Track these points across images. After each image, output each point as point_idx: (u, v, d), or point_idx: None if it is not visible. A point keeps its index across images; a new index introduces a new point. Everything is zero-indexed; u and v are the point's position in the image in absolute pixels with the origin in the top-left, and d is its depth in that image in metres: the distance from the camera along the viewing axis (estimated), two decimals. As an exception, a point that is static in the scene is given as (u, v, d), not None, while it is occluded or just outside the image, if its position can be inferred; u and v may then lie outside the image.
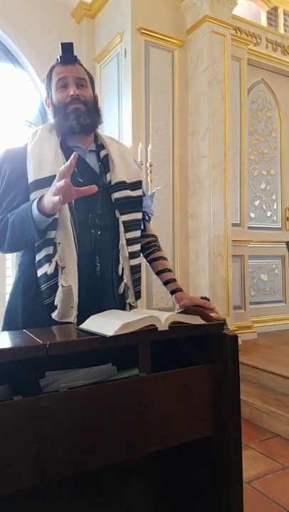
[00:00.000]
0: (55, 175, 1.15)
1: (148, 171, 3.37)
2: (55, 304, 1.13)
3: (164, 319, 0.91)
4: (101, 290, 1.21)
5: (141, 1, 3.63)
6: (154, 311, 1.09)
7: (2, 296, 3.74)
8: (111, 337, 0.83)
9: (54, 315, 1.13)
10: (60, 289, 1.12)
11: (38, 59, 4.02)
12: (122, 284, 1.25)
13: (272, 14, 5.14)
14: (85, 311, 1.10)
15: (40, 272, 1.15)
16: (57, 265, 1.13)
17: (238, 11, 4.18)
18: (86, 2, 4.11)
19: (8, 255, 3.85)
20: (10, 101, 4.05)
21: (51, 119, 1.31)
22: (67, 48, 1.26)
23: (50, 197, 1.05)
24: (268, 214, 4.72)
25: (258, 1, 4.77)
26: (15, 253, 1.42)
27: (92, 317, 1.01)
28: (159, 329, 0.90)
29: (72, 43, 1.28)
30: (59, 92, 1.27)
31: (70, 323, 1.12)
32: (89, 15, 4.19)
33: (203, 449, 1.01)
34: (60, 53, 1.26)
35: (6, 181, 1.22)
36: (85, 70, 1.32)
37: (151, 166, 3.39)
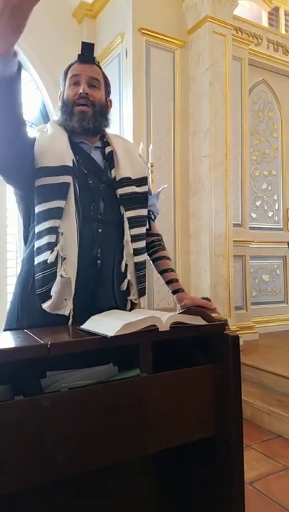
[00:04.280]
0: (65, 165, 1.17)
1: (149, 171, 3.37)
2: (51, 294, 1.11)
3: (165, 319, 0.91)
4: (98, 286, 1.20)
5: (142, 1, 3.63)
6: (155, 311, 1.09)
7: (4, 296, 3.75)
8: (112, 337, 0.83)
9: (46, 305, 1.12)
10: (58, 279, 1.11)
11: (39, 59, 4.02)
12: (126, 281, 1.24)
13: (274, 14, 5.14)
14: (80, 305, 1.10)
15: (38, 260, 1.14)
16: (57, 255, 1.12)
17: (239, 12, 4.18)
18: (87, 2, 4.12)
19: (11, 256, 3.86)
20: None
21: (57, 113, 1.32)
22: (87, 48, 1.28)
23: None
24: (270, 214, 4.71)
25: (259, 1, 4.77)
26: (18, 251, 1.42)
27: (93, 317, 1.01)
28: (160, 329, 0.89)
29: (93, 44, 1.30)
30: (70, 88, 1.28)
31: (63, 316, 1.11)
32: (90, 15, 4.19)
33: (205, 450, 1.01)
34: (80, 52, 1.28)
35: None
36: (102, 73, 1.33)
37: (152, 166, 3.39)
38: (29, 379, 0.85)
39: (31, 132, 1.20)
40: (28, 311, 1.16)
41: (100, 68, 1.33)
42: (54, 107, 4.03)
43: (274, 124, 4.75)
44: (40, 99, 4.18)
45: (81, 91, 1.26)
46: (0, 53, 0.88)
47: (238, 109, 4.09)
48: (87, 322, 0.98)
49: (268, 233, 4.62)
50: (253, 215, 4.53)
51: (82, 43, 1.28)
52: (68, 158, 1.20)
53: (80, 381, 0.88)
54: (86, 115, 1.26)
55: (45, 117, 4.18)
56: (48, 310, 1.12)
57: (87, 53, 1.28)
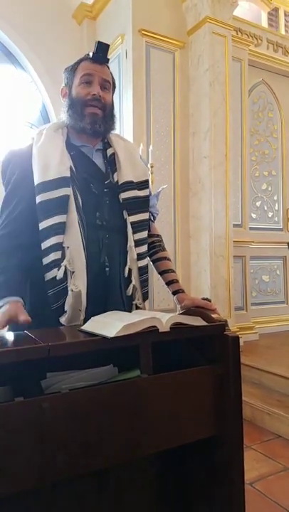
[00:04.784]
0: (62, 177, 1.15)
1: (149, 172, 3.37)
2: (65, 309, 1.12)
3: (165, 320, 0.91)
4: (108, 292, 1.20)
5: (142, 3, 3.63)
6: (155, 312, 1.09)
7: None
8: (112, 338, 0.83)
9: (63, 320, 1.12)
10: (69, 293, 1.11)
11: (39, 60, 4.03)
12: (131, 286, 1.24)
13: (273, 15, 5.15)
14: (93, 313, 1.09)
15: (48, 277, 1.13)
16: (66, 270, 1.11)
17: (238, 12, 4.18)
18: (87, 3, 4.13)
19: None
20: (11, 102, 4.06)
21: (64, 111, 1.28)
22: (103, 48, 1.25)
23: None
24: (270, 215, 4.71)
25: (259, 2, 4.77)
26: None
27: (93, 318, 1.01)
28: (160, 330, 0.90)
29: (109, 45, 1.27)
30: (82, 87, 1.25)
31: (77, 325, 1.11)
32: (90, 16, 4.20)
33: (205, 450, 1.01)
34: (94, 50, 1.24)
35: (12, 185, 1.20)
36: (111, 74, 1.31)
37: (152, 167, 3.39)
38: (29, 380, 0.86)
39: (30, 135, 1.19)
40: (40, 319, 1.14)
41: (109, 69, 1.31)
42: (54, 107, 4.04)
43: (274, 125, 4.75)
44: (40, 101, 4.19)
45: (95, 93, 1.23)
46: None
47: (237, 110, 4.09)
48: (87, 323, 0.98)
49: (268, 234, 4.62)
50: (253, 216, 4.54)
51: (99, 42, 1.25)
52: (65, 168, 1.17)
53: (80, 382, 0.88)
54: (98, 117, 1.24)
55: (45, 118, 4.18)
56: (65, 323, 1.12)
57: (101, 53, 1.25)
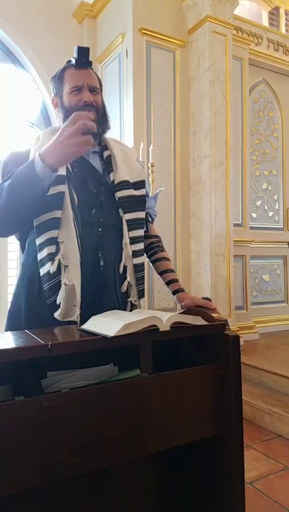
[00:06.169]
0: (58, 175, 1.16)
1: (150, 171, 3.37)
2: (58, 302, 1.13)
3: (165, 320, 0.91)
4: (103, 288, 1.21)
5: (142, 2, 3.63)
6: (155, 311, 1.09)
7: (4, 296, 3.75)
8: (112, 337, 0.83)
9: (56, 314, 1.13)
10: (63, 287, 1.12)
11: (39, 60, 4.03)
12: (125, 283, 1.25)
13: (274, 14, 5.14)
14: (87, 309, 1.11)
15: (42, 271, 1.15)
16: (60, 264, 1.13)
17: (239, 11, 4.18)
18: (88, 2, 4.12)
19: (13, 255, 3.86)
20: (12, 102, 4.05)
21: (59, 121, 1.30)
22: (83, 53, 1.26)
23: (57, 149, 1.05)
24: (270, 214, 4.71)
25: (260, 1, 4.77)
26: (19, 253, 1.41)
27: (93, 317, 1.01)
28: (160, 330, 0.89)
29: (89, 48, 1.28)
30: (72, 94, 1.27)
31: (73, 322, 1.12)
32: (90, 15, 4.19)
33: (205, 450, 1.01)
34: (76, 56, 1.25)
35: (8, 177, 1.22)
36: (96, 75, 1.33)
37: (152, 166, 3.39)
38: (30, 379, 0.86)
39: (30, 134, 1.19)
40: (37, 316, 1.16)
41: (93, 70, 1.33)
42: (54, 107, 4.04)
43: (274, 124, 4.75)
44: (40, 100, 4.18)
45: (86, 99, 1.25)
46: (53, 166, 1.07)
47: (238, 109, 4.09)
48: (87, 322, 0.98)
49: (269, 233, 4.62)
50: (254, 215, 4.53)
51: (78, 47, 1.26)
52: (59, 168, 1.17)
53: (80, 381, 0.88)
54: (93, 122, 1.26)
55: (46, 117, 4.18)
56: (59, 318, 1.12)
57: (83, 58, 1.26)
